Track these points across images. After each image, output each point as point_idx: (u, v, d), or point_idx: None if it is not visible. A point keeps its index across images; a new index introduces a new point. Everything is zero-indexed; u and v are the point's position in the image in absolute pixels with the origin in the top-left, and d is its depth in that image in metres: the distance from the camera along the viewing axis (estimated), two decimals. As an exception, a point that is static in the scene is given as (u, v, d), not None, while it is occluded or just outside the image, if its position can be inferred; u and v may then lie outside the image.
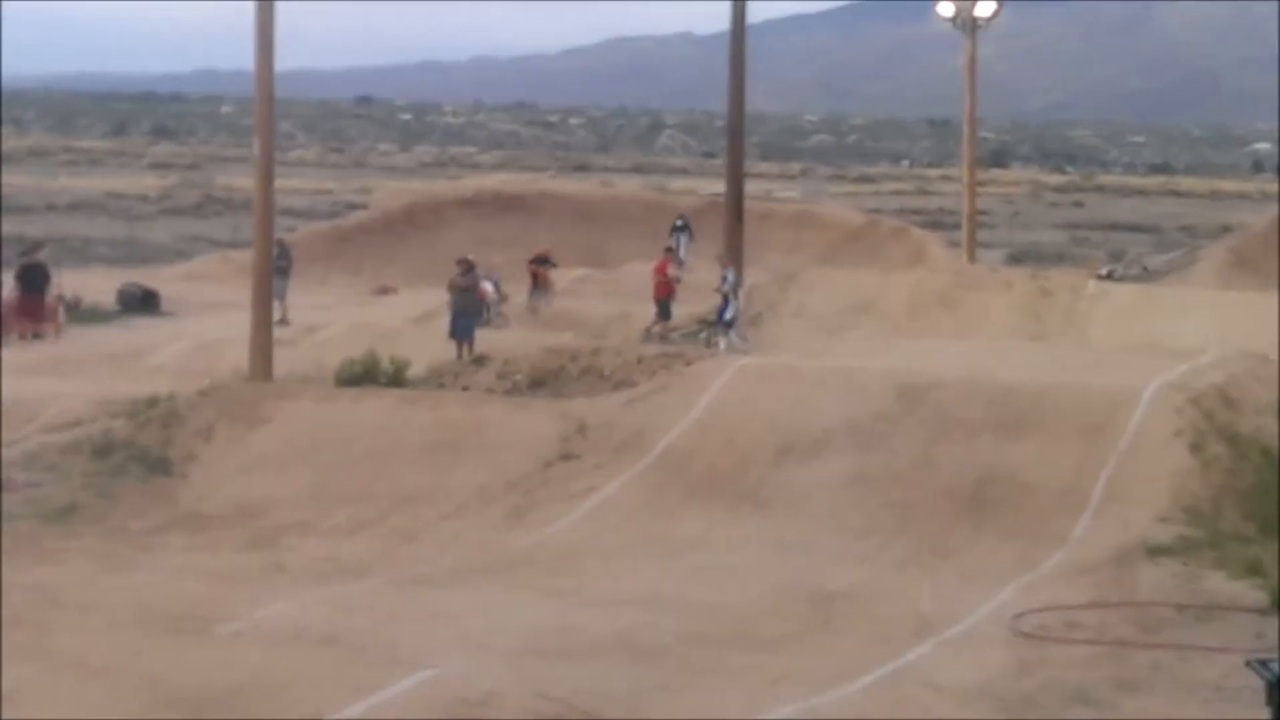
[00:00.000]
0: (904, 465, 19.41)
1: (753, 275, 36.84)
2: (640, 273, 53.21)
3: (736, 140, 35.16)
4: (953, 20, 43.94)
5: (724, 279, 32.10)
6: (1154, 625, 15.28)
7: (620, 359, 26.64)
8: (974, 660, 14.24)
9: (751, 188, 42.49)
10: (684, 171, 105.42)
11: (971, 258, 45.22)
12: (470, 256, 34.02)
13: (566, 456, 20.48)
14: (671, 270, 37.20)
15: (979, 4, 43.71)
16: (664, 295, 36.25)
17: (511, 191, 68.04)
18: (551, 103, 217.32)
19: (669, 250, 39.53)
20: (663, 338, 33.81)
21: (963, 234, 46.70)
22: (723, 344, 31.07)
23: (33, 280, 42.60)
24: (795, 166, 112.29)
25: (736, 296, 31.98)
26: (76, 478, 20.83)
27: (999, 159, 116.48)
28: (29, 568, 16.73)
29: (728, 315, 31.88)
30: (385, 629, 14.43)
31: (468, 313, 31.81)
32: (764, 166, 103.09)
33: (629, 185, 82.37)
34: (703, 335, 32.87)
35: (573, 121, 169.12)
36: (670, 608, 15.56)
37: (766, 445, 20.06)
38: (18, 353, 38.84)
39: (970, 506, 18.68)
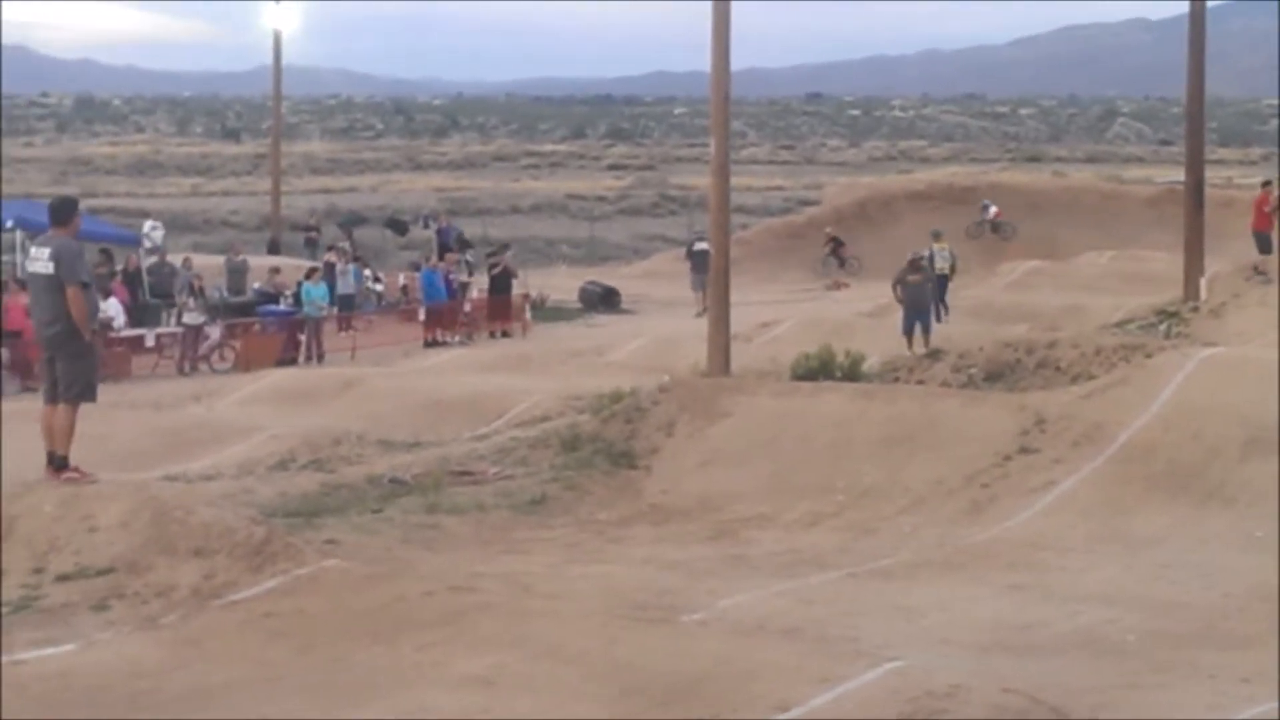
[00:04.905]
0: (1379, 459, 18.67)
1: (1215, 264, 35.93)
2: (1093, 263, 52.42)
3: (1195, 126, 34.35)
4: None
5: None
6: None
7: (1077, 351, 26.27)
8: None
9: (1211, 174, 41.40)
10: (1139, 160, 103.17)
11: None
12: (925, 252, 33.98)
13: (1024, 450, 20.29)
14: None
15: None
16: (1264, 229, 36.15)
17: (963, 184, 67.77)
18: (1001, 94, 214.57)
19: (1266, 184, 38.62)
20: (1261, 272, 33.64)
21: None
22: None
23: (500, 280, 44.50)
24: (1256, 152, 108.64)
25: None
26: (545, 470, 21.53)
27: None
28: (501, 557, 17.37)
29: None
30: (846, 621, 14.55)
31: (920, 308, 31.85)
32: (1223, 153, 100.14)
33: (1082, 175, 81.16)
34: (1162, 326, 32.18)
35: (1023, 112, 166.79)
36: (1133, 605, 15.30)
37: (1232, 439, 19.52)
38: (487, 350, 40.51)
39: None
